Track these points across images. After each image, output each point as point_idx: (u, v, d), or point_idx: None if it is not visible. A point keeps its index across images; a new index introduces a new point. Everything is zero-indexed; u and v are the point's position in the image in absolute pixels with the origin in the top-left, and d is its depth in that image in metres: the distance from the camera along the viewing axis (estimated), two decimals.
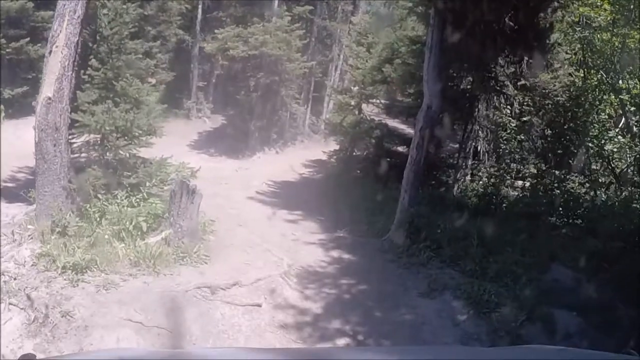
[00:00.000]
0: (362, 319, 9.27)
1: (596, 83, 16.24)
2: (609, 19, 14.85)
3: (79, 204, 10.91)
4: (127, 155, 12.86)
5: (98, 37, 13.02)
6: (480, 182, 17.66)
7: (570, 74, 16.63)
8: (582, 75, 16.77)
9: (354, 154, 23.37)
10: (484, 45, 12.78)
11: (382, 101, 24.23)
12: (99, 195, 11.31)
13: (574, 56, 16.72)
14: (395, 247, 12.23)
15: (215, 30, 25.22)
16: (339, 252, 12.24)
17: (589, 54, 16.63)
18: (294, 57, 25.39)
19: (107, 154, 12.79)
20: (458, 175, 18.03)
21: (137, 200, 11.31)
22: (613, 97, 16.00)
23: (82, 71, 12.28)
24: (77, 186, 10.89)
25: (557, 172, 15.83)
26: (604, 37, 15.59)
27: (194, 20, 30.83)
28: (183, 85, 30.88)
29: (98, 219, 10.58)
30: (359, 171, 21.82)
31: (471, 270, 10.87)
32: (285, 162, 25.08)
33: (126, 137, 12.66)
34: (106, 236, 9.98)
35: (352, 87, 24.51)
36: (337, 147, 24.28)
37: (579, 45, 16.47)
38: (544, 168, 16.46)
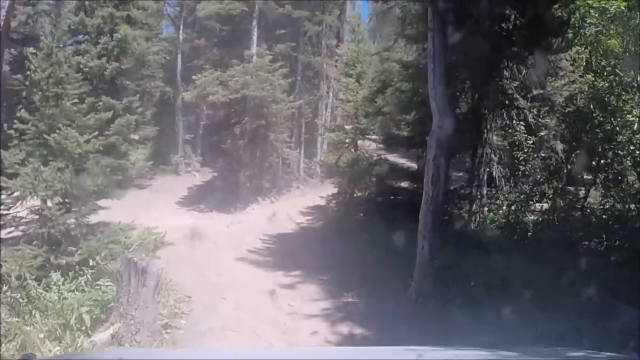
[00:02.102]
0: None
1: (609, 84, 14.10)
2: (622, 7, 12.78)
3: (6, 292, 8.71)
4: (73, 224, 10.66)
5: (28, 83, 11.04)
6: (500, 212, 15.44)
7: (581, 76, 14.57)
8: (592, 77, 14.63)
9: (355, 195, 21.37)
10: (491, 48, 10.82)
11: (379, 135, 22.34)
12: (33, 280, 9.05)
13: (585, 56, 14.62)
14: (420, 309, 9.88)
15: (193, 76, 23.56)
16: (348, 325, 9.80)
17: (600, 52, 14.53)
18: (280, 97, 23.62)
19: (47, 224, 10.61)
20: (474, 207, 15.82)
21: (84, 283, 9.04)
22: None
23: (6, 125, 10.26)
24: (7, 270, 8.71)
25: (586, 190, 13.80)
26: (618, 29, 13.51)
27: (174, 71, 29.38)
28: (169, 140, 29.43)
29: (31, 312, 8.34)
30: (362, 214, 19.79)
31: (523, 332, 8.37)
32: (281, 211, 23.17)
33: (67, 203, 10.52)
34: (40, 335, 7.74)
35: (345, 124, 22.72)
36: (336, 190, 22.37)
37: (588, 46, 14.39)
38: (571, 188, 14.39)
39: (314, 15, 26.03)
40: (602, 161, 14.14)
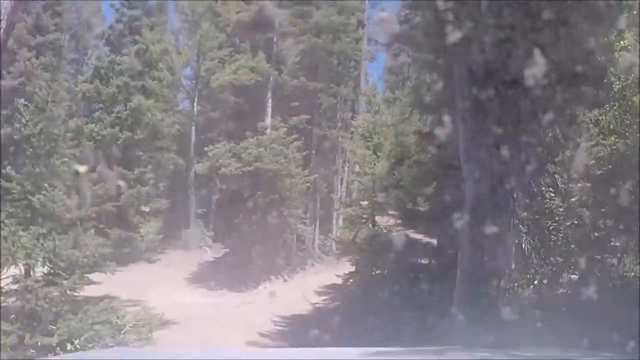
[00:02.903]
0: None
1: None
2: None
3: None
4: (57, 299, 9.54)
5: (17, 137, 10.24)
6: (532, 287, 14.14)
7: (604, 137, 13.54)
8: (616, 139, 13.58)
9: (373, 273, 20.22)
10: (521, 109, 10.05)
11: (397, 209, 21.38)
12: None
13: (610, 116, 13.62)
14: None
15: (205, 148, 23.04)
16: None
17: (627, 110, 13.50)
18: (294, 171, 22.94)
19: (26, 297, 9.48)
20: (502, 283, 14.50)
21: None
22: None
23: None
24: None
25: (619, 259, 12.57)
26: None
27: (188, 144, 28.96)
28: (181, 213, 28.63)
29: None
30: (381, 293, 18.58)
31: None
32: (296, 290, 22.03)
33: (51, 274, 9.46)
34: None
35: (362, 198, 21.83)
36: (353, 268, 21.33)
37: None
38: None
39: (329, 88, 25.77)
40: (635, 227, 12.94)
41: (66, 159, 10.90)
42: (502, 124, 11.26)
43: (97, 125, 25.18)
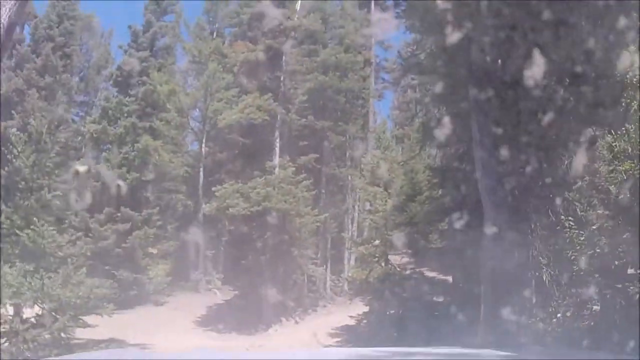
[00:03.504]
0: None
1: None
2: None
3: None
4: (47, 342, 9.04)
5: (7, 170, 9.83)
6: (554, 321, 13.45)
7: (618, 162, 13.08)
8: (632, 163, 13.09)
9: (387, 313, 19.61)
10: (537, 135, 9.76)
11: (409, 247, 20.87)
12: None
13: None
14: None
15: (213, 188, 22.70)
16: None
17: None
18: (303, 211, 22.51)
19: (13, 339, 8.99)
20: (524, 318, 13.82)
21: None
22: None
23: None
24: None
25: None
26: None
27: (196, 185, 28.68)
28: (190, 255, 28.12)
29: None
30: (396, 334, 18.00)
31: None
32: (307, 333, 21.44)
33: (40, 315, 8.95)
34: None
35: (373, 236, 21.36)
36: (367, 309, 20.81)
37: None
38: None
39: (337, 126, 25.57)
40: None
41: (59, 193, 10.50)
42: (522, 156, 11.00)
43: (105, 166, 25.02)
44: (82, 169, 23.96)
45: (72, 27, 34.79)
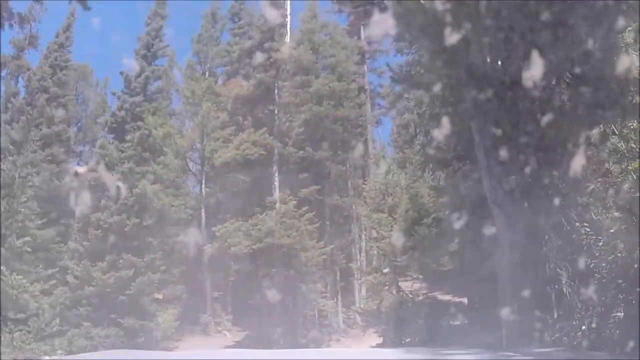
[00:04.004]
0: None
1: None
2: None
3: None
4: None
5: None
6: (579, 334, 12.70)
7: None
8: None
9: (403, 342, 18.84)
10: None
11: (419, 272, 20.24)
12: None
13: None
14: None
15: (213, 228, 22.18)
16: None
17: None
18: (309, 244, 21.94)
19: None
20: (547, 335, 13.09)
21: None
22: None
23: None
24: None
25: None
26: None
27: (199, 227, 28.19)
28: (197, 298, 27.48)
29: None
30: None
31: None
32: None
33: None
34: None
35: (382, 264, 20.76)
36: (381, 340, 20.14)
37: None
38: None
39: (337, 155, 25.08)
40: None
41: (29, 239, 10.00)
42: (527, 166, 10.67)
43: (104, 214, 24.56)
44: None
45: (66, 78, 34.67)
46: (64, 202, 29.57)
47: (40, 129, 30.74)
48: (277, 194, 23.08)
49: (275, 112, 25.11)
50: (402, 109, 27.73)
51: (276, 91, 25.02)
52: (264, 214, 21.48)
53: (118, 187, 25.53)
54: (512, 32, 10.22)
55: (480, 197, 13.47)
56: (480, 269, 14.27)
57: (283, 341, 22.29)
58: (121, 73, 31.58)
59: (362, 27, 32.45)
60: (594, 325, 12.14)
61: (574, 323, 12.55)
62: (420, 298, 18.71)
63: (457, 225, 14.79)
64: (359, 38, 31.84)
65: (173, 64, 32.38)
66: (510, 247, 10.29)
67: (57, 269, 25.53)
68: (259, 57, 24.48)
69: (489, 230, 13.31)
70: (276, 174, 23.60)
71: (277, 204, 22.54)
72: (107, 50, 53.13)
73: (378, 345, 19.77)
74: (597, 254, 11.84)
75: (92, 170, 24.31)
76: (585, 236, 12.00)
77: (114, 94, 33.52)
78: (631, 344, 7.91)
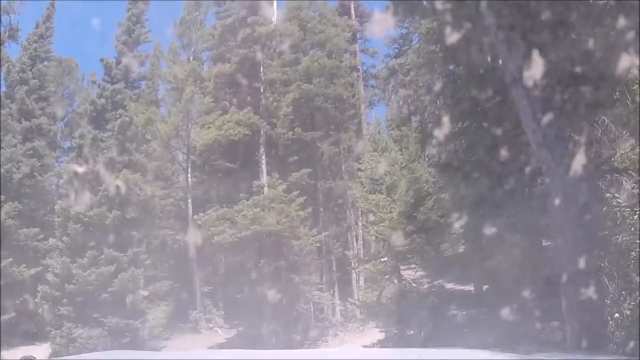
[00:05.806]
0: None
1: None
2: None
3: None
4: None
5: None
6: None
7: None
8: None
9: (406, 334, 17.32)
10: None
11: (423, 257, 18.65)
12: None
13: None
14: None
15: (195, 216, 20.58)
16: None
17: None
18: (300, 232, 20.37)
19: None
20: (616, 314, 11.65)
21: None
22: None
23: None
24: None
25: None
26: None
27: (186, 219, 26.61)
28: (186, 295, 26.01)
29: None
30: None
31: None
32: None
33: None
34: None
35: (381, 250, 19.20)
36: (382, 335, 18.91)
37: None
38: None
39: (329, 136, 23.44)
40: None
41: None
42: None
43: (83, 207, 23.01)
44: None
45: (47, 69, 33.11)
46: (48, 198, 28.47)
47: (20, 122, 29.36)
48: (264, 178, 21.50)
49: (261, 90, 23.36)
50: (396, 86, 26.07)
51: (262, 68, 23.30)
52: (250, 200, 19.81)
53: (98, 179, 24.03)
54: None
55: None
56: (490, 255, 12.80)
57: (276, 339, 20.84)
58: (101, 60, 30.10)
59: (352, 6, 30.99)
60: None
61: (627, 312, 11.16)
62: (425, 287, 17.17)
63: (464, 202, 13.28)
64: (350, 18, 30.30)
65: (159, 52, 30.90)
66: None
67: (41, 267, 24.38)
68: (243, 32, 22.77)
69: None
70: (263, 157, 21.97)
71: (265, 189, 20.93)
72: (94, 45, 51.93)
73: (379, 341, 18.28)
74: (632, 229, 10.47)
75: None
76: (618, 208, 10.62)
77: (94, 82, 32.11)
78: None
